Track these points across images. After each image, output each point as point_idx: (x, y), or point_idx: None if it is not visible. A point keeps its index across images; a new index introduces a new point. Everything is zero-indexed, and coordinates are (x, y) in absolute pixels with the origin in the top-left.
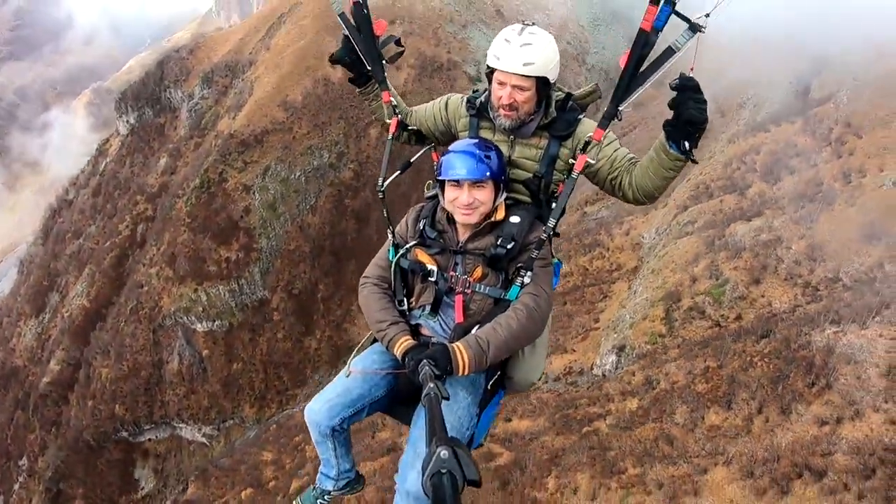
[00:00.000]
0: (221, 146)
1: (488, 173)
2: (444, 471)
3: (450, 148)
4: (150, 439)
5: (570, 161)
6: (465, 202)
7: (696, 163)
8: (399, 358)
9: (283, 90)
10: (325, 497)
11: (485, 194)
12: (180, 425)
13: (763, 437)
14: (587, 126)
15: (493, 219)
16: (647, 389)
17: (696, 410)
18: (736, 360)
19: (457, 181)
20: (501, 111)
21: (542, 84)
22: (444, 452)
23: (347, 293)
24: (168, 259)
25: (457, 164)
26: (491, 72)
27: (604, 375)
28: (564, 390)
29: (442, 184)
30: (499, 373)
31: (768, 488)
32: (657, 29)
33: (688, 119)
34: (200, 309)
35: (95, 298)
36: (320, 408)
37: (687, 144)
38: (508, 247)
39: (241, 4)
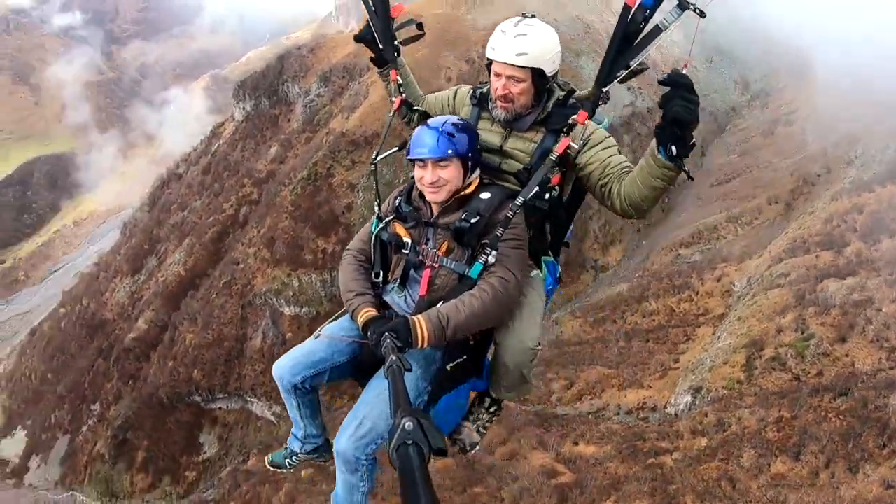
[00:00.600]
0: (332, 143)
1: (450, 150)
2: (409, 441)
3: (424, 124)
4: (220, 408)
5: (559, 168)
6: (430, 180)
7: (691, 177)
8: (360, 328)
9: None
10: (294, 458)
11: (449, 172)
12: (252, 400)
13: (826, 490)
14: (591, 125)
15: (463, 193)
16: (718, 431)
17: (764, 457)
18: (810, 413)
19: (422, 160)
20: (498, 102)
21: (538, 76)
22: (408, 423)
23: None
24: (267, 242)
25: (421, 141)
26: (489, 64)
27: (676, 415)
28: (635, 424)
29: (413, 162)
30: (464, 357)
31: None
32: (644, 6)
33: (673, 117)
34: (291, 293)
35: (191, 268)
36: (284, 364)
37: (674, 149)
38: (472, 221)
39: (360, 11)
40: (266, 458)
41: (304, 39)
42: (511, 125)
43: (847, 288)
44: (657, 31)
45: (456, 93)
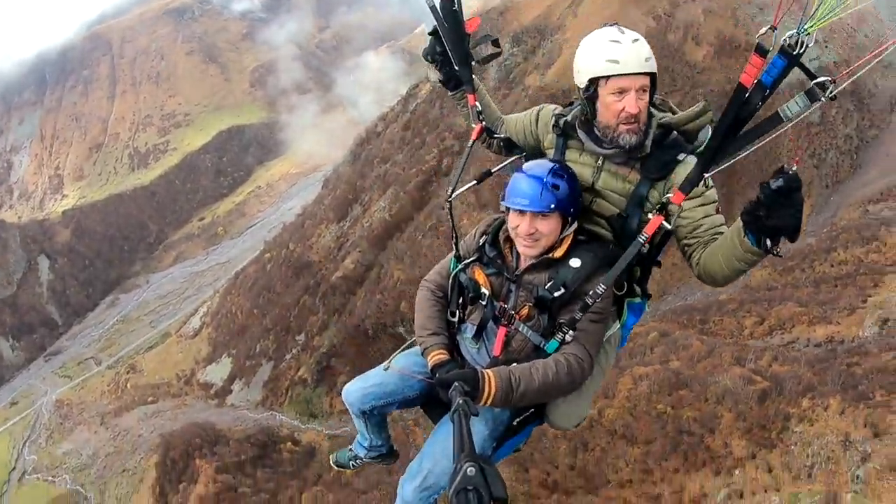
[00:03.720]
0: (532, 96)
1: (553, 205)
2: (470, 487)
3: (520, 168)
4: None
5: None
6: (526, 232)
7: (781, 256)
8: (429, 369)
9: None
10: (357, 461)
11: (548, 226)
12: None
13: None
14: (688, 170)
15: (553, 254)
16: None
17: None
18: None
19: (520, 210)
20: (622, 127)
21: (653, 84)
22: (470, 469)
23: None
24: (472, 188)
25: (521, 190)
26: (593, 88)
27: (864, 343)
28: (823, 352)
29: (508, 207)
30: (531, 411)
31: None
32: (763, 85)
33: (780, 227)
34: None
35: (396, 214)
36: (354, 391)
37: (769, 243)
38: (556, 294)
39: None
40: (331, 456)
41: (479, 6)
42: (607, 157)
43: None
44: (777, 118)
45: (538, 116)
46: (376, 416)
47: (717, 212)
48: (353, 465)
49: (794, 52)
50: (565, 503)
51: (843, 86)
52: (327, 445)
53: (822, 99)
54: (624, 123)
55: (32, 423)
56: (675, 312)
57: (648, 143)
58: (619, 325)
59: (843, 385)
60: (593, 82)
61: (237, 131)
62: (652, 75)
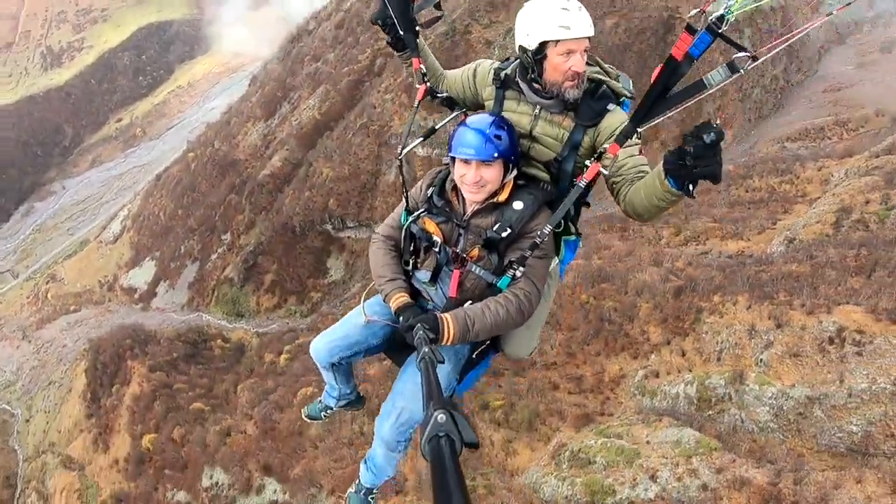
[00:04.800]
0: (471, 2)
1: (496, 153)
2: (441, 434)
3: (463, 122)
4: (349, 236)
5: (588, 160)
6: (473, 180)
7: (695, 198)
8: (393, 312)
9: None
10: (328, 411)
11: (492, 173)
12: None
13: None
14: (616, 118)
15: (497, 198)
16: (806, 260)
17: (843, 275)
18: (883, 252)
19: (465, 159)
20: (567, 83)
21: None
22: (441, 416)
23: None
24: (405, 88)
25: (467, 141)
26: (541, 51)
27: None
28: (733, 262)
29: (453, 157)
30: (487, 342)
31: None
32: (692, 57)
33: (706, 174)
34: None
35: (326, 112)
36: (322, 347)
37: (692, 187)
38: (503, 234)
39: None
40: (302, 410)
41: None
42: (543, 107)
43: None
44: (701, 84)
45: (475, 71)
46: (344, 366)
47: (640, 153)
48: (324, 416)
49: (719, 30)
50: (493, 384)
51: (761, 61)
52: (256, 342)
53: (741, 71)
54: (569, 80)
55: None
56: (598, 219)
57: (579, 94)
58: (557, 261)
59: (750, 286)
60: (544, 45)
61: (158, 28)
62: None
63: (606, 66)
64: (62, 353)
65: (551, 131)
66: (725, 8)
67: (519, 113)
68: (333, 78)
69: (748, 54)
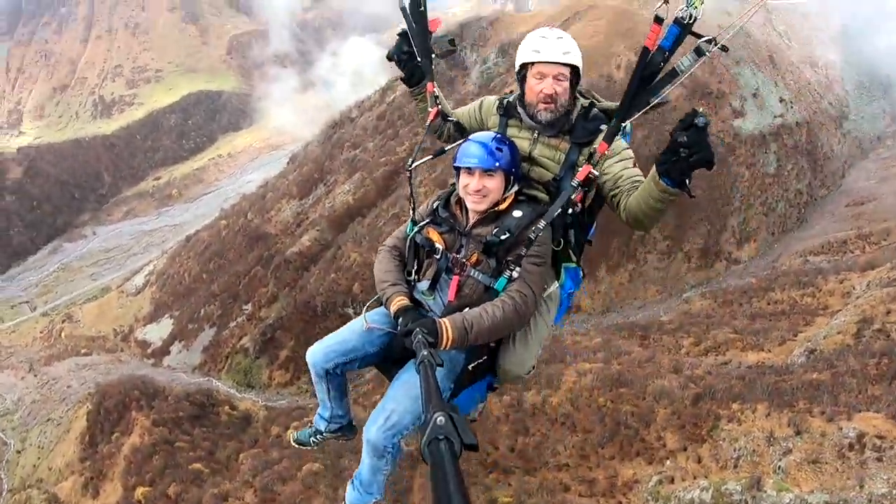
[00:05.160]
0: None
1: (497, 164)
2: (441, 437)
3: (468, 137)
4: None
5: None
6: (475, 188)
7: (693, 196)
8: (392, 315)
9: None
10: (318, 436)
11: (494, 183)
12: None
13: None
14: None
15: (498, 208)
16: (827, 369)
17: (863, 383)
18: None
19: (469, 168)
20: (541, 105)
21: (575, 75)
22: (440, 419)
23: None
24: (438, 184)
25: (470, 152)
26: (523, 72)
27: (792, 367)
28: (753, 372)
29: (458, 170)
30: (485, 357)
31: None
32: (664, 49)
33: (700, 160)
34: None
35: (360, 198)
36: (318, 350)
37: (687, 182)
38: (502, 237)
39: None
40: (290, 434)
41: (460, 16)
42: (540, 131)
43: None
44: (674, 73)
45: (481, 104)
46: (338, 378)
47: (635, 165)
48: (313, 442)
49: (686, 22)
50: (503, 482)
51: (725, 39)
52: (264, 414)
53: (707, 53)
54: (542, 102)
55: None
56: (618, 327)
57: (573, 117)
58: (557, 285)
59: (769, 394)
60: (523, 67)
61: (207, 96)
62: (573, 67)
63: (606, 102)
64: (66, 393)
65: (549, 154)
66: (690, 3)
67: (520, 138)
68: (370, 166)
69: (709, 38)
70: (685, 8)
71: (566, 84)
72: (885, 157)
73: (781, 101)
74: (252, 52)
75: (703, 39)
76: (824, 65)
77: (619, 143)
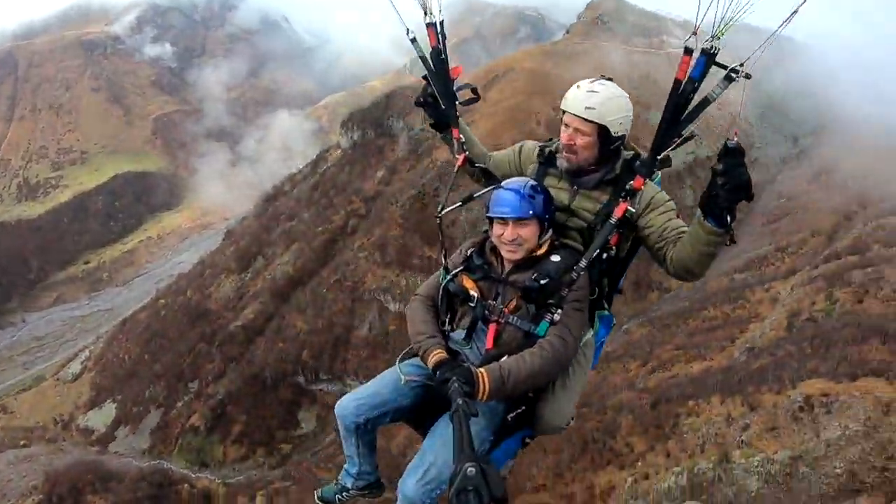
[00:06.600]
0: (440, 167)
1: (531, 212)
2: (470, 488)
3: (501, 184)
4: (321, 389)
5: (622, 228)
6: (509, 238)
7: (735, 242)
8: (430, 369)
9: (495, 136)
10: (344, 494)
11: (528, 231)
12: (353, 382)
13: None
14: (649, 189)
15: (535, 253)
16: (768, 357)
17: (801, 361)
18: (835, 336)
19: (502, 218)
20: (564, 153)
21: (603, 134)
22: (470, 469)
23: None
24: (378, 247)
25: (503, 200)
26: (563, 115)
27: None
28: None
29: (491, 219)
30: (523, 408)
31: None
32: (693, 78)
33: (739, 184)
34: (398, 291)
35: (300, 268)
36: (348, 404)
37: (729, 217)
38: (542, 282)
39: None
40: (315, 492)
41: (380, 88)
42: (576, 182)
43: (865, 273)
44: (706, 101)
45: (521, 149)
46: (369, 434)
47: (678, 216)
48: (338, 500)
49: (711, 52)
50: None
51: (749, 68)
52: (224, 491)
53: (736, 79)
54: (565, 150)
55: None
56: None
57: (618, 167)
58: (592, 332)
59: (720, 388)
60: (563, 113)
61: (134, 177)
62: (599, 125)
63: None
64: (7, 488)
65: (587, 205)
66: (713, 35)
67: (558, 188)
68: (308, 236)
69: (735, 66)
70: (710, 39)
71: (587, 140)
72: (791, 176)
73: (695, 138)
74: (178, 131)
75: (730, 68)
76: (726, 102)
77: (662, 195)
